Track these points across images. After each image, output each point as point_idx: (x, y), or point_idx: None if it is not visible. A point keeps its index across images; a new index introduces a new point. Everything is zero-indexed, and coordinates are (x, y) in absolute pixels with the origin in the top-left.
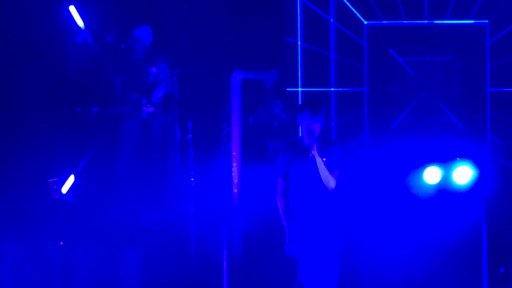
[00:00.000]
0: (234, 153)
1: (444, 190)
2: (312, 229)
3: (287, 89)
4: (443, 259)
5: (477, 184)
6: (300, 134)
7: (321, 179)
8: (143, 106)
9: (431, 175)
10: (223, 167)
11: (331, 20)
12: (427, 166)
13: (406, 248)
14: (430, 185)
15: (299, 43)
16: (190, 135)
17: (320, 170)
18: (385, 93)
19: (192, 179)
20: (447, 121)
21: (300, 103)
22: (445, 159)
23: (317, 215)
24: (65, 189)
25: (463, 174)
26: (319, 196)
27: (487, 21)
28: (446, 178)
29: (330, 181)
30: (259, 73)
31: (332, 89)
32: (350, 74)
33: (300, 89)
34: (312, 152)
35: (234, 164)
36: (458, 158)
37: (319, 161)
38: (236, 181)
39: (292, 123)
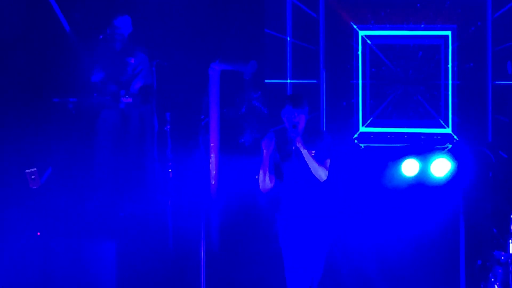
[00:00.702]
0: (212, 144)
1: (422, 183)
2: (301, 223)
3: (266, 81)
4: (420, 252)
5: (455, 177)
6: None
7: (308, 172)
8: (122, 96)
9: (409, 167)
10: (201, 158)
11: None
12: (405, 159)
13: (383, 242)
14: (408, 178)
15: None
16: (168, 126)
17: (308, 162)
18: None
19: (170, 170)
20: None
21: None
22: (423, 152)
23: (306, 208)
24: (41, 179)
25: (441, 167)
26: (308, 189)
27: None
28: (423, 171)
29: (320, 172)
30: (238, 65)
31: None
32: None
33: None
34: (297, 145)
35: (212, 155)
36: (436, 148)
37: (305, 153)
38: (214, 172)
39: (271, 115)
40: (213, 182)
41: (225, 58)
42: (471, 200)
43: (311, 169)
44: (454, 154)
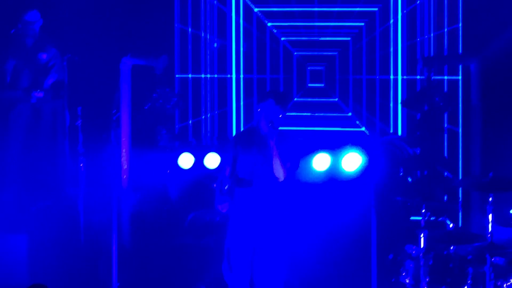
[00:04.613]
0: (123, 139)
1: (333, 178)
2: (258, 221)
3: (177, 75)
4: (332, 247)
5: (366, 171)
6: (257, 122)
7: (269, 170)
8: (33, 91)
9: (320, 162)
10: (112, 153)
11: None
12: (316, 153)
13: (295, 237)
14: (319, 172)
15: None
16: (80, 121)
17: (274, 161)
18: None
19: (81, 165)
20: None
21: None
22: (336, 147)
23: (265, 206)
24: None
25: (352, 161)
26: (269, 187)
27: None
28: (335, 165)
29: (281, 173)
30: (149, 59)
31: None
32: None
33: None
34: (271, 143)
35: (124, 150)
36: (349, 145)
37: (276, 153)
38: (125, 166)
39: (182, 111)
40: (125, 176)
41: (136, 53)
42: (382, 194)
43: (275, 168)
44: (365, 148)
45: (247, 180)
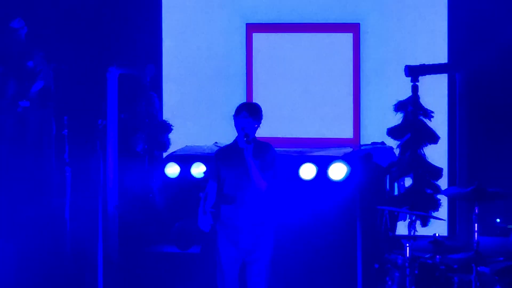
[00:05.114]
0: (109, 148)
1: (319, 187)
2: (243, 231)
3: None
4: (318, 256)
5: (351, 181)
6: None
7: (251, 181)
8: (19, 100)
9: (306, 171)
10: (98, 162)
11: None
12: (303, 163)
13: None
14: (305, 181)
15: None
16: (66, 130)
17: (252, 172)
18: None
19: (67, 174)
20: None
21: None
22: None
23: (250, 218)
24: None
25: (337, 171)
26: (252, 198)
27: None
28: (320, 175)
29: (261, 184)
30: (136, 68)
31: None
32: None
33: None
34: (247, 155)
35: (109, 159)
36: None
37: (252, 164)
38: (111, 176)
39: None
40: (111, 186)
41: (123, 62)
42: (368, 204)
43: (254, 179)
44: (349, 159)
45: (231, 196)
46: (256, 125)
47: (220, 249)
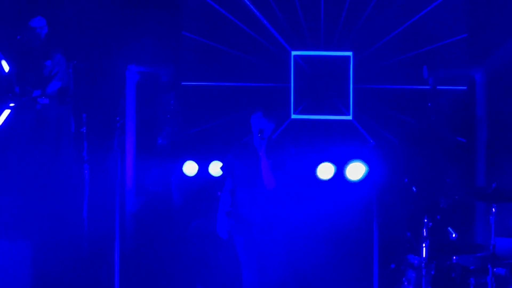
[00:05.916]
0: (128, 146)
1: (337, 186)
2: (258, 229)
3: (182, 83)
4: (335, 255)
5: (369, 181)
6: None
7: (263, 178)
8: (38, 97)
9: (325, 171)
10: (117, 160)
11: None
12: (321, 163)
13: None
14: (323, 181)
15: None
16: (84, 127)
17: (264, 170)
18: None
19: (85, 171)
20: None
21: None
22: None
23: (262, 214)
24: None
25: (356, 171)
26: (264, 195)
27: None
28: (339, 174)
29: (270, 181)
30: (155, 67)
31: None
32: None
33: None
34: (260, 153)
35: (128, 157)
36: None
37: (265, 162)
38: (129, 173)
39: (184, 117)
40: (129, 183)
41: (142, 60)
42: (384, 204)
43: (264, 177)
44: (368, 158)
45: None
46: (271, 125)
47: (237, 246)
